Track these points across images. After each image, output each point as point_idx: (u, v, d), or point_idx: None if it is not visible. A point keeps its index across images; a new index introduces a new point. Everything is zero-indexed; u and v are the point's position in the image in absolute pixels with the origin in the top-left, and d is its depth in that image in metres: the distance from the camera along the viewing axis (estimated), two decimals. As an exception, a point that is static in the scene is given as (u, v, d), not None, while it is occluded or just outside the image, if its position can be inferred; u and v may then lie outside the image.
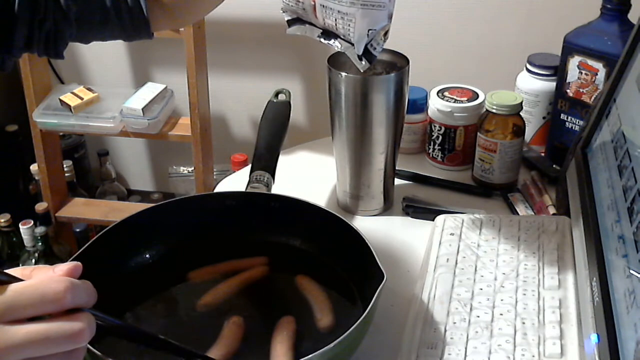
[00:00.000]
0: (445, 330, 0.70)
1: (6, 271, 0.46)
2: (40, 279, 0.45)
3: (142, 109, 1.71)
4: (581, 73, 0.95)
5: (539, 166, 1.02)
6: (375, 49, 0.74)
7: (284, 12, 0.79)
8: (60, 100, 1.75)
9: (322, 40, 0.78)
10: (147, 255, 0.81)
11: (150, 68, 2.05)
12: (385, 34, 0.75)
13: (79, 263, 0.48)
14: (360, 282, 0.75)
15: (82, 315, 0.46)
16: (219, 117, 2.06)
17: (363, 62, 0.75)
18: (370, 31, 0.72)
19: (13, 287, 0.44)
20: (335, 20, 0.73)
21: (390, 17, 0.73)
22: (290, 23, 0.80)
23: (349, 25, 0.72)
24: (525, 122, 0.97)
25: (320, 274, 0.78)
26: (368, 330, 0.67)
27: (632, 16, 0.91)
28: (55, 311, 0.45)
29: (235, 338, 0.70)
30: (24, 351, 0.44)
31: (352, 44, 0.74)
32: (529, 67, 1.04)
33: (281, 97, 0.98)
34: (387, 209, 0.96)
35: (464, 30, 1.77)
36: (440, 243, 0.83)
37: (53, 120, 1.74)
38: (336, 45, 0.76)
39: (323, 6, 0.73)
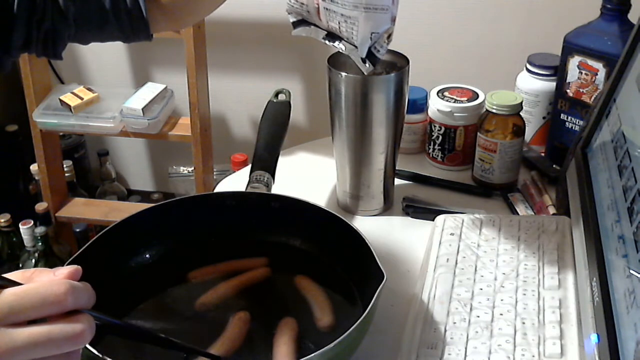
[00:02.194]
0: (445, 330, 0.70)
1: (5, 275, 0.46)
2: (41, 282, 0.46)
3: (142, 109, 1.71)
4: (581, 73, 0.95)
5: (539, 166, 1.02)
6: (378, 51, 0.74)
7: (289, 13, 0.79)
8: (60, 100, 1.75)
9: (326, 42, 0.78)
10: (147, 255, 0.81)
11: (150, 68, 2.05)
12: (389, 36, 0.75)
13: (79, 267, 0.48)
14: (360, 282, 0.75)
15: (82, 316, 0.46)
16: (219, 117, 2.06)
17: (367, 65, 0.75)
18: (373, 34, 0.72)
19: (14, 291, 0.45)
20: (339, 23, 0.73)
21: (393, 20, 0.73)
22: (296, 24, 0.80)
23: (352, 28, 0.72)
24: (525, 122, 0.97)
25: (320, 274, 0.78)
26: (368, 330, 0.67)
27: (632, 16, 0.91)
28: (56, 313, 0.45)
29: (240, 334, 0.70)
30: (26, 353, 0.44)
31: (356, 47, 0.74)
32: (529, 67, 1.04)
33: (281, 97, 0.98)
34: (387, 209, 0.96)
35: (464, 30, 1.77)
36: (440, 243, 0.83)
37: (53, 120, 1.74)
38: (340, 47, 0.76)
39: (327, 9, 0.73)
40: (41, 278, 0.47)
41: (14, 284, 0.46)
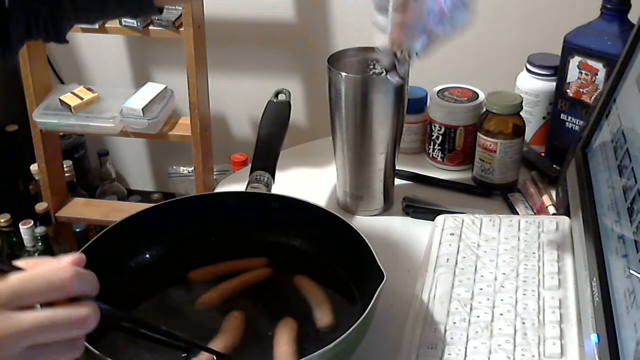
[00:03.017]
0: (445, 330, 0.70)
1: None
2: (46, 268, 0.46)
3: (142, 109, 1.71)
4: (581, 73, 0.95)
5: (539, 166, 1.02)
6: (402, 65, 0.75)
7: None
8: (60, 100, 1.75)
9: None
10: (147, 255, 0.81)
11: (150, 68, 2.05)
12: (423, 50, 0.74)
13: (83, 255, 0.49)
14: (360, 282, 0.75)
15: (87, 302, 0.46)
16: (219, 117, 2.06)
17: (394, 79, 0.75)
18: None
19: (20, 275, 0.45)
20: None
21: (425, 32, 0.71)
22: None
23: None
24: (525, 122, 0.97)
25: (320, 274, 0.78)
26: (368, 330, 0.67)
27: (632, 16, 0.91)
28: (61, 298, 0.46)
29: (237, 331, 0.70)
30: (31, 337, 0.44)
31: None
32: (529, 67, 1.04)
33: (281, 97, 0.98)
34: (387, 209, 0.96)
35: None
36: (440, 243, 0.83)
37: (53, 120, 1.74)
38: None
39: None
40: (46, 265, 0.47)
41: (18, 269, 0.46)
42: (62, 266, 0.46)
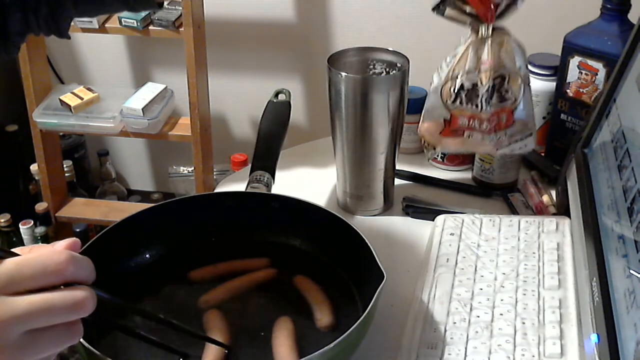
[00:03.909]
0: (445, 330, 0.70)
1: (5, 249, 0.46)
2: (41, 252, 0.46)
3: (142, 109, 1.71)
4: (581, 73, 0.95)
5: (539, 166, 1.01)
6: None
7: None
8: (60, 100, 1.75)
9: None
10: (147, 255, 0.81)
11: (150, 68, 2.05)
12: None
13: (78, 239, 0.48)
14: (360, 282, 0.75)
15: (83, 287, 0.46)
16: (219, 117, 2.06)
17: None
18: None
19: (15, 260, 0.45)
20: None
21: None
22: None
23: None
24: (525, 122, 0.97)
25: (320, 274, 0.78)
26: (368, 330, 0.67)
27: (632, 16, 0.91)
28: (57, 283, 0.45)
29: (222, 324, 0.70)
30: (28, 321, 0.44)
31: None
32: (529, 67, 1.04)
33: (281, 97, 0.98)
34: (387, 209, 0.96)
35: (464, 30, 1.77)
36: (440, 243, 0.83)
37: (53, 120, 1.74)
38: None
39: None
40: (40, 250, 0.47)
41: (14, 254, 0.46)
42: (57, 250, 0.46)
